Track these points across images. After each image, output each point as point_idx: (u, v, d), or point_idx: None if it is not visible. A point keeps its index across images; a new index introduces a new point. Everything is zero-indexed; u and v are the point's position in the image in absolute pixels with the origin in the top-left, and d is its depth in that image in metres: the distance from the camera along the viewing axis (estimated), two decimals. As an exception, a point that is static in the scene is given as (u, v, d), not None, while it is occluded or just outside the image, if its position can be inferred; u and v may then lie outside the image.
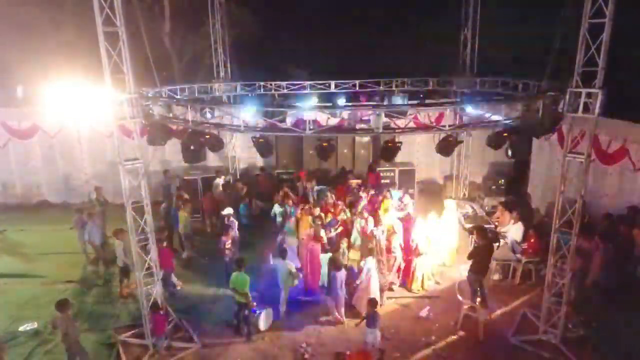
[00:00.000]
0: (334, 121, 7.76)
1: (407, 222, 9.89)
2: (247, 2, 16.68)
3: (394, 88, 13.49)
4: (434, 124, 6.99)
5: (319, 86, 13.80)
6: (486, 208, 12.59)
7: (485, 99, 6.18)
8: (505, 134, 6.03)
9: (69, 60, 15.43)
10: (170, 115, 7.42)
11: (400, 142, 5.86)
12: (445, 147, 6.20)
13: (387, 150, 5.91)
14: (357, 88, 13.81)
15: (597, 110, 6.28)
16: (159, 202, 12.28)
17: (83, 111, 13.56)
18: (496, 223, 11.02)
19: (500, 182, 13.21)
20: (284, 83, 13.60)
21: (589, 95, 6.35)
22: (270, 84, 13.60)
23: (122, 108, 6.65)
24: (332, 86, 13.79)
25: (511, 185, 13.82)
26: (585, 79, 6.48)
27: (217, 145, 6.56)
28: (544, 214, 12.46)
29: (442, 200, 12.39)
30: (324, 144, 5.81)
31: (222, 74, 13.49)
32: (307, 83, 13.72)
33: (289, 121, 6.53)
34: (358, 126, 14.13)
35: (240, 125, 6.06)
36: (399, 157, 14.16)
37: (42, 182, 15.14)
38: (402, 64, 14.22)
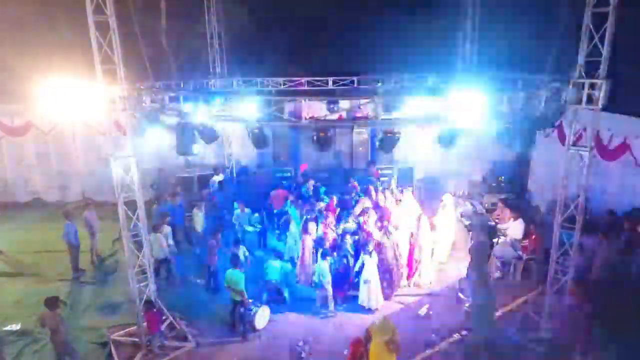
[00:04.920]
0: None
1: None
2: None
3: (392, 84, 13.32)
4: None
5: (317, 83, 13.63)
6: (486, 205, 12.42)
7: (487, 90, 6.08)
8: (507, 126, 5.88)
9: (63, 57, 15.20)
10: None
11: (399, 132, 5.70)
12: (447, 138, 6.04)
13: (386, 141, 5.75)
14: (356, 85, 13.64)
15: (601, 101, 6.13)
16: (152, 199, 12.16)
17: (77, 108, 13.34)
18: (496, 220, 10.87)
19: (500, 179, 13.04)
20: (281, 79, 13.42)
21: (592, 86, 6.21)
22: (268, 81, 13.41)
23: (114, 100, 6.50)
24: (330, 83, 13.62)
25: (511, 183, 13.67)
26: (587, 70, 6.35)
27: (210, 136, 6.39)
28: (545, 211, 12.32)
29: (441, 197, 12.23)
30: (322, 133, 5.64)
31: (218, 70, 13.30)
32: (305, 80, 13.55)
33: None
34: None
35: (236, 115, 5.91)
36: (398, 155, 14.16)
37: (36, 180, 14.94)
38: (400, 60, 14.04)
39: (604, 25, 6.02)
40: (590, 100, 6.23)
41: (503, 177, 13.09)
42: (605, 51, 6.05)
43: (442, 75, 12.56)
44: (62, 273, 10.18)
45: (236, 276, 7.40)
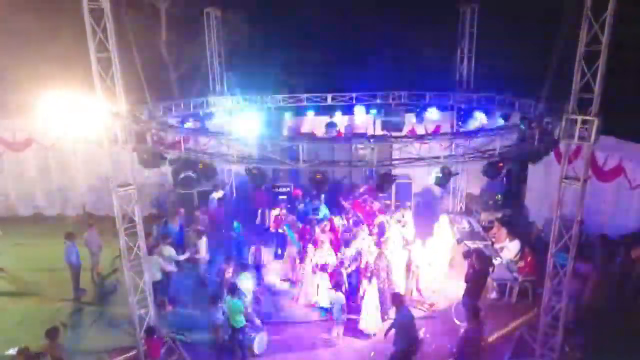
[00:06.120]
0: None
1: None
2: (243, 13, 16.64)
3: (390, 101, 13.44)
4: (431, 136, 7.16)
5: (316, 99, 13.77)
6: (483, 223, 12.52)
7: (482, 131, 6.16)
8: (500, 164, 6.00)
9: (65, 70, 15.32)
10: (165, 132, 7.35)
11: (396, 176, 5.84)
12: (442, 177, 6.18)
13: (382, 183, 5.88)
14: (354, 101, 13.78)
15: (593, 138, 6.25)
16: (152, 214, 12.29)
17: (78, 123, 13.46)
18: (493, 240, 10.98)
19: (497, 197, 13.12)
20: (279, 96, 13.55)
21: (584, 121, 6.33)
22: (267, 97, 13.53)
23: (116, 133, 6.62)
24: (329, 99, 13.76)
25: (508, 198, 13.74)
26: (581, 102, 6.46)
27: (210, 175, 6.51)
28: (541, 228, 12.45)
29: (439, 213, 12.29)
30: (318, 176, 5.76)
31: (217, 87, 13.41)
32: (304, 96, 13.69)
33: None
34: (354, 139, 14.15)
35: (233, 155, 6.01)
36: (396, 169, 14.21)
37: (37, 194, 15.02)
38: (398, 76, 14.20)
39: (596, 62, 6.14)
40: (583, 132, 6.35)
41: (500, 195, 13.17)
42: (597, 88, 6.15)
43: (440, 94, 12.72)
44: (63, 292, 10.22)
45: (236, 305, 7.50)
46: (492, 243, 10.82)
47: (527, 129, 5.87)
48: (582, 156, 6.80)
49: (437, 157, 5.91)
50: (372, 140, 5.54)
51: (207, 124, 12.40)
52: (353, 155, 14.94)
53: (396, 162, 6.12)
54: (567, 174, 6.77)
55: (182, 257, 9.85)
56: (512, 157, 6.06)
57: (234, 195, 14.26)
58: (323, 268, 8.75)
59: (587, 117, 6.22)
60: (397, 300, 7.37)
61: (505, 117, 10.66)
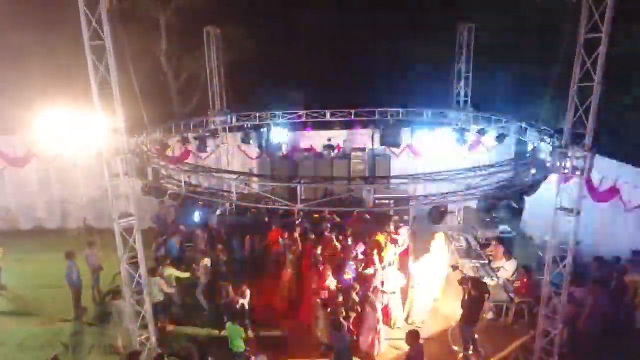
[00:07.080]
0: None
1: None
2: (243, 30, 16.77)
3: (389, 118, 13.58)
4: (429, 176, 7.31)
5: (315, 115, 13.91)
6: (480, 240, 12.58)
7: (477, 169, 6.25)
8: (496, 201, 6.12)
9: (65, 85, 15.40)
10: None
11: (392, 211, 5.95)
12: (437, 216, 6.30)
13: (380, 219, 6.00)
14: (353, 117, 13.92)
15: (586, 171, 6.37)
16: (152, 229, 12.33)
17: (79, 137, 13.51)
18: (490, 258, 11.06)
19: (494, 214, 13.19)
20: (279, 113, 13.68)
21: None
22: (266, 114, 13.66)
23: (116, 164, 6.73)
24: (328, 115, 13.90)
25: (507, 211, 13.77)
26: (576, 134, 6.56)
27: (213, 209, 6.63)
28: (539, 243, 12.54)
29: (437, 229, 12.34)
30: (316, 215, 5.87)
31: (217, 105, 13.52)
32: (303, 112, 13.83)
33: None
34: (354, 154, 14.35)
35: (233, 193, 6.14)
36: (395, 182, 14.28)
37: (38, 207, 15.11)
38: (397, 93, 14.36)
39: (590, 98, 6.25)
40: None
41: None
42: (590, 123, 6.26)
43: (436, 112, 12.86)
44: (64, 311, 10.24)
45: (235, 331, 7.61)
46: (489, 261, 10.90)
47: (520, 167, 5.97)
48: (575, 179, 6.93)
49: (434, 196, 6.03)
50: (369, 182, 5.62)
51: (207, 142, 12.57)
52: (352, 170, 15.24)
53: (392, 201, 6.24)
54: (562, 204, 6.90)
55: (184, 275, 9.97)
56: (507, 193, 6.15)
57: (234, 211, 14.34)
58: (324, 304, 8.63)
59: (581, 151, 6.34)
60: (338, 327, 7.39)
61: (501, 138, 10.79)
